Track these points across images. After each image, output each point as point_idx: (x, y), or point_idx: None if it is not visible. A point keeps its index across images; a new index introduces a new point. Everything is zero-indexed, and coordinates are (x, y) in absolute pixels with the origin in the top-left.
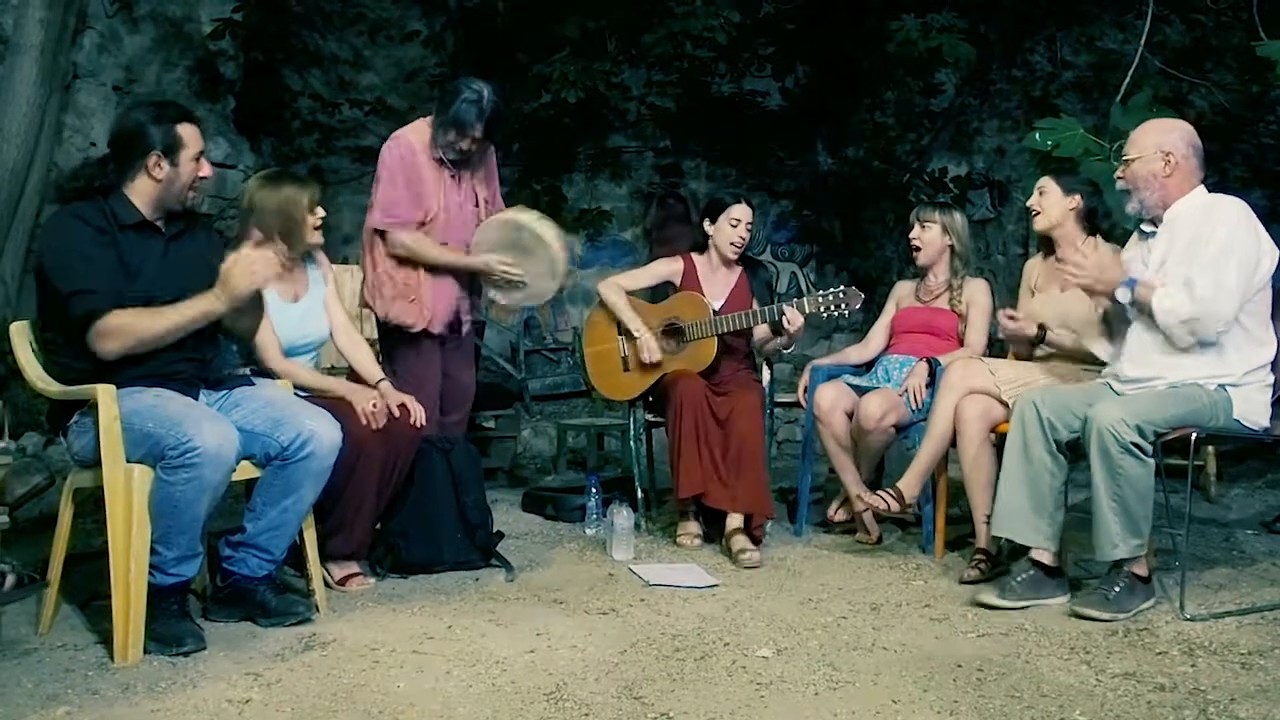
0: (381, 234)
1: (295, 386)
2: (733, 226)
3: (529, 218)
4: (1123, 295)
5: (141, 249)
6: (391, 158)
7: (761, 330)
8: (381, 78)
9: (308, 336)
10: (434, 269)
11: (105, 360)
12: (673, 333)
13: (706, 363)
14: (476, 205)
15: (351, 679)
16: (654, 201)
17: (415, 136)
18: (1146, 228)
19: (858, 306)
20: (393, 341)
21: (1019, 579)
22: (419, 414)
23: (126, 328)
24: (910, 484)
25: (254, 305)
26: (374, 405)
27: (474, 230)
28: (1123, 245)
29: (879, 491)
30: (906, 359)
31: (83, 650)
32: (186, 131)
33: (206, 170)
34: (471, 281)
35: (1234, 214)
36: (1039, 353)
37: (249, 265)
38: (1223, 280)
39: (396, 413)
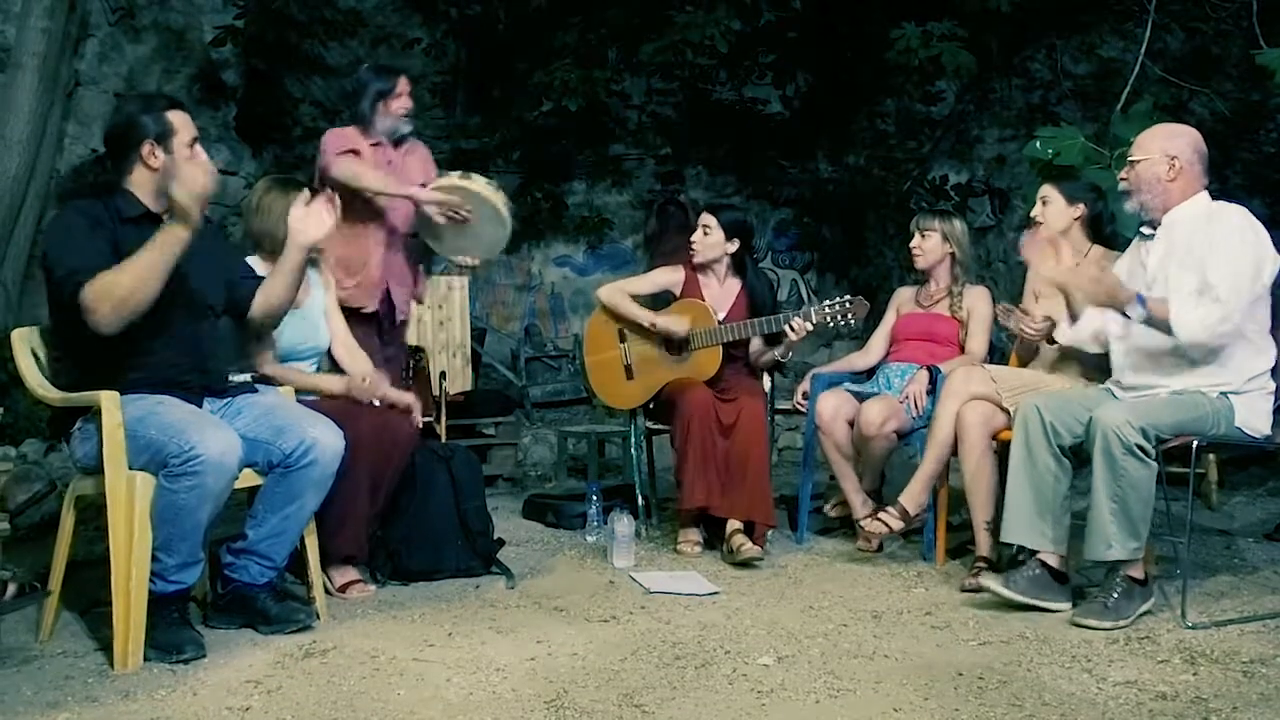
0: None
1: (297, 393)
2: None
3: (465, 181)
4: (1135, 313)
5: (143, 242)
6: (328, 135)
7: (757, 343)
8: None
9: (309, 342)
10: (382, 246)
11: (111, 352)
12: (676, 341)
13: (710, 372)
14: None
15: (352, 686)
16: (653, 210)
17: (348, 129)
18: (1145, 230)
19: (863, 316)
20: None
21: (1026, 574)
22: (418, 414)
23: (109, 285)
24: (915, 495)
25: (294, 279)
26: (367, 380)
27: (412, 213)
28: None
29: (880, 515)
30: (907, 367)
31: (83, 657)
32: (176, 118)
33: (203, 158)
34: (414, 262)
35: (1237, 220)
36: (1043, 367)
37: (190, 170)
38: (1237, 285)
39: (399, 404)
